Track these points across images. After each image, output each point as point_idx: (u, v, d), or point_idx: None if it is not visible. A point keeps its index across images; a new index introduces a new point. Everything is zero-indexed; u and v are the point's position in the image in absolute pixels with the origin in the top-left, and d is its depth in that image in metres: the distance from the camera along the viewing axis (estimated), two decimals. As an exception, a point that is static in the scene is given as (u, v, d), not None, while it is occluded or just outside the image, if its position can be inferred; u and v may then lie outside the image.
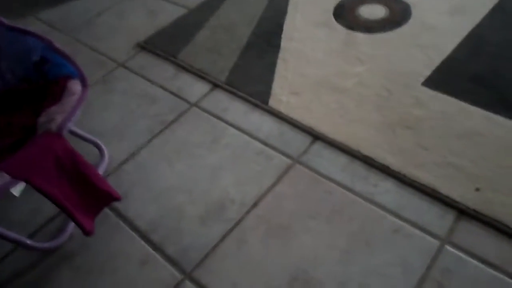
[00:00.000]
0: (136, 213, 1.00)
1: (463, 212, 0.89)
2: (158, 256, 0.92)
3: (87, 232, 0.86)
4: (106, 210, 1.01)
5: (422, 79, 1.18)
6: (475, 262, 0.82)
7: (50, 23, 1.66)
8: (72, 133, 1.09)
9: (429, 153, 1.00)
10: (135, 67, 1.39)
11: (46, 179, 0.78)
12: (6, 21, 0.94)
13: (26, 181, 0.74)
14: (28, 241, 0.93)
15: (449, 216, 0.90)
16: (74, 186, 0.84)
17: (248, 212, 0.97)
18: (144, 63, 1.40)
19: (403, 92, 1.15)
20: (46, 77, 0.89)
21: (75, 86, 0.85)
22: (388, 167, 0.99)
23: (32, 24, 1.67)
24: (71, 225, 0.98)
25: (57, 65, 0.88)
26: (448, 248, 0.85)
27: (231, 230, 0.94)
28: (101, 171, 1.09)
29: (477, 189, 0.92)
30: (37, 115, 0.84)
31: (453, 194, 0.92)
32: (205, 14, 1.53)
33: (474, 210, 0.88)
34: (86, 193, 0.86)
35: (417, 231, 0.88)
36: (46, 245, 0.95)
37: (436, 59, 1.23)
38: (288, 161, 1.05)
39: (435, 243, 0.86)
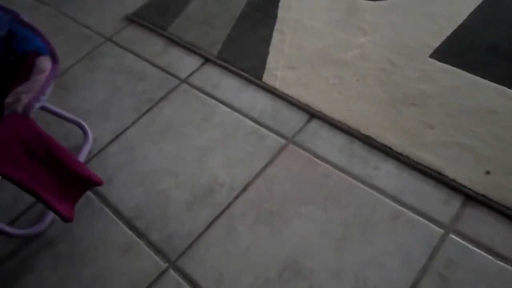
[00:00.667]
0: (121, 198, 0.95)
1: (470, 198, 0.82)
2: (142, 244, 0.87)
3: (65, 219, 0.82)
4: (90, 194, 0.96)
5: (430, 51, 1.08)
6: (481, 252, 0.75)
7: (37, -4, 1.57)
8: (53, 113, 1.03)
9: (435, 132, 0.92)
10: (122, 42, 1.31)
11: (14, 165, 0.72)
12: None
13: (-9, 168, 0.69)
14: (7, 228, 0.88)
15: (455, 202, 0.82)
16: (47, 171, 0.78)
17: (237, 196, 0.90)
18: (132, 37, 1.31)
19: (409, 65, 1.05)
20: (15, 54, 0.82)
21: (45, 62, 0.78)
22: (389, 148, 0.91)
23: (18, -2, 1.59)
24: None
25: (26, 40, 0.80)
26: (453, 236, 0.78)
27: (219, 216, 0.88)
28: (84, 153, 1.03)
29: (487, 172, 0.84)
30: (4, 95, 0.78)
31: (460, 178, 0.84)
32: (197, -17, 1.43)
33: (484, 196, 0.80)
34: (62, 178, 0.81)
35: (419, 218, 0.81)
36: (26, 231, 0.91)
37: (447, 29, 1.12)
38: (282, 141, 0.98)
39: (439, 231, 0.79)
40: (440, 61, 1.05)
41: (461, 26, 1.12)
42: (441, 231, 0.79)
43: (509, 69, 1.00)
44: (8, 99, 0.75)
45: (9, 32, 0.81)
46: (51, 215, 0.93)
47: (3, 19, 0.81)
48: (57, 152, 0.78)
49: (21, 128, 0.72)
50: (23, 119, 0.72)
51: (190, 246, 0.85)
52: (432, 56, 1.07)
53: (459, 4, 1.17)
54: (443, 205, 0.82)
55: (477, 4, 1.16)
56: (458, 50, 1.06)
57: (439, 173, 0.85)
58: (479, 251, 0.75)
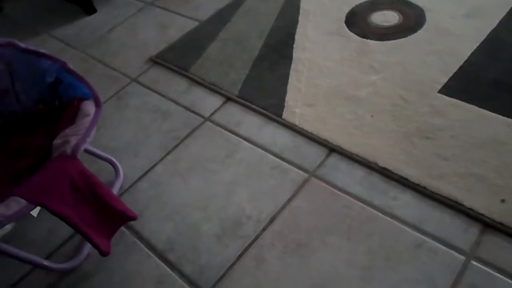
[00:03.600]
0: (152, 232, 1.00)
1: (488, 225, 0.86)
2: (175, 276, 0.91)
3: (103, 253, 0.86)
4: (122, 229, 1.00)
5: (438, 87, 1.15)
6: (504, 278, 0.79)
7: (64, 40, 1.68)
8: (87, 151, 1.09)
9: (450, 163, 0.97)
10: (147, 82, 1.39)
11: (62, 202, 0.77)
12: (20, 43, 0.95)
13: (42, 206, 0.74)
14: (46, 262, 0.93)
15: (474, 230, 0.86)
16: (89, 207, 0.83)
17: (264, 228, 0.95)
18: (156, 78, 1.40)
19: (420, 101, 1.12)
20: (61, 99, 0.90)
21: (89, 107, 0.85)
22: (407, 179, 0.96)
23: (46, 42, 1.70)
24: (88, 245, 0.97)
25: (71, 86, 0.88)
26: (474, 263, 0.82)
27: (248, 247, 0.93)
28: (116, 189, 1.09)
29: (503, 201, 0.89)
30: (52, 137, 0.85)
31: (477, 206, 0.89)
32: (216, 26, 1.53)
33: (501, 223, 0.85)
34: (101, 214, 0.86)
35: (440, 246, 0.85)
36: (63, 266, 0.95)
37: (453, 65, 1.19)
38: (304, 174, 1.03)
39: (461, 258, 0.83)
40: (448, 96, 1.12)
41: (466, 62, 1.20)
42: (463, 258, 0.83)
43: (514, 103, 1.06)
44: (57, 141, 0.81)
45: (57, 79, 0.88)
46: (86, 250, 0.98)
47: (51, 68, 0.89)
48: (98, 189, 0.84)
49: (69, 167, 0.78)
50: (72, 159, 0.78)
51: (221, 277, 0.89)
52: (440, 91, 1.14)
53: (463, 41, 1.25)
54: (463, 233, 0.86)
55: (479, 42, 1.24)
56: (464, 85, 1.14)
57: (457, 203, 0.90)
58: (501, 276, 0.79)
